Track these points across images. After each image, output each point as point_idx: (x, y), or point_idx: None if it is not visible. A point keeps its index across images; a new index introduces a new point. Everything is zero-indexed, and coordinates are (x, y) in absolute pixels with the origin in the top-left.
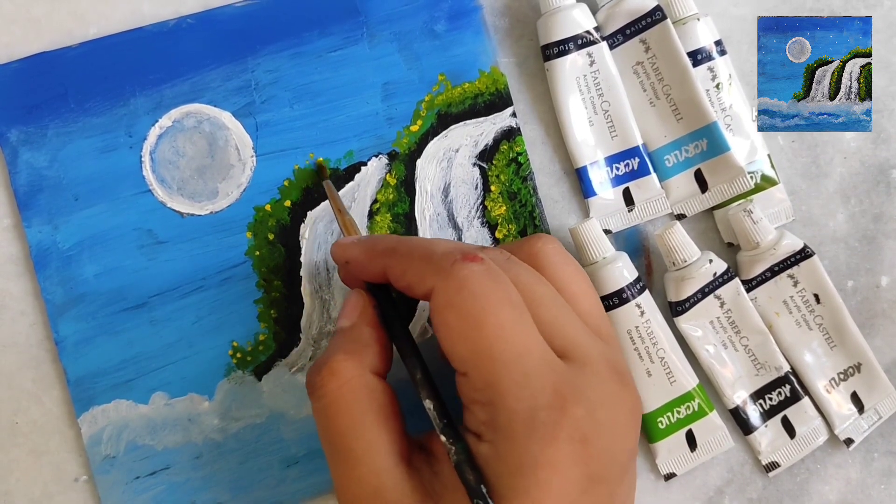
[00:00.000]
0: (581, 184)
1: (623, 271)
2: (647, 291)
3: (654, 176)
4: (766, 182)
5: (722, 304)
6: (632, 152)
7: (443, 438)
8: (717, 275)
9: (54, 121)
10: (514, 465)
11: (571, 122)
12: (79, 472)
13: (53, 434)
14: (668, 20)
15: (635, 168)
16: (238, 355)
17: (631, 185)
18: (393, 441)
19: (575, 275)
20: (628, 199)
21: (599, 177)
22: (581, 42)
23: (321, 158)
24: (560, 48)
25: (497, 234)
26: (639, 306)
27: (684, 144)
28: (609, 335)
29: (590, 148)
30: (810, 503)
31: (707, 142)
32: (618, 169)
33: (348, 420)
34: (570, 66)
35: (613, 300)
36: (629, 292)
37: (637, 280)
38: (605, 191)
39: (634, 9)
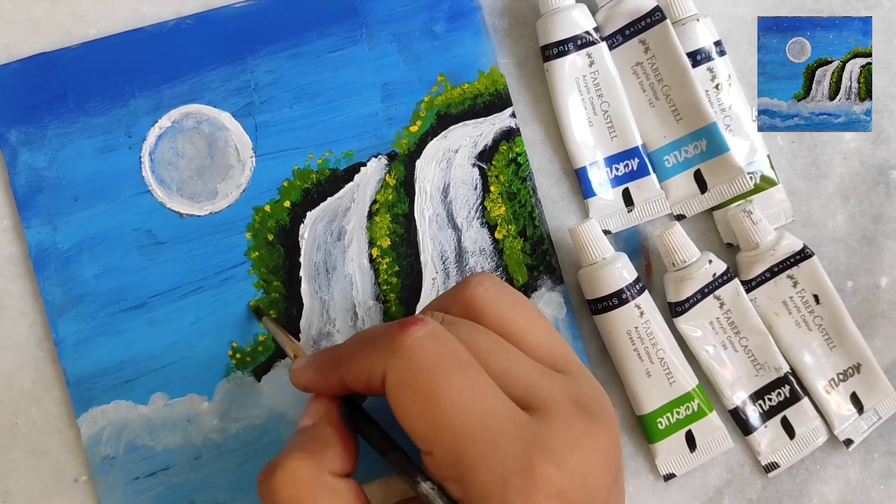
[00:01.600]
0: (580, 184)
1: (623, 272)
2: (646, 292)
3: (653, 176)
4: (766, 183)
5: (721, 305)
6: (631, 153)
7: None
8: (717, 275)
9: (54, 121)
10: None
11: (571, 123)
12: (78, 472)
13: (53, 434)
14: (668, 21)
15: (635, 169)
16: (237, 356)
17: (630, 185)
18: None
19: (514, 310)
20: (628, 199)
21: (599, 177)
22: (581, 43)
23: (253, 302)
24: (559, 49)
25: (496, 235)
26: (638, 307)
27: (684, 145)
28: (567, 362)
29: (589, 148)
30: (810, 503)
31: (706, 142)
32: (617, 169)
33: None
34: (569, 67)
35: (613, 301)
36: (629, 293)
37: (636, 280)
38: (605, 191)
39: (634, 9)
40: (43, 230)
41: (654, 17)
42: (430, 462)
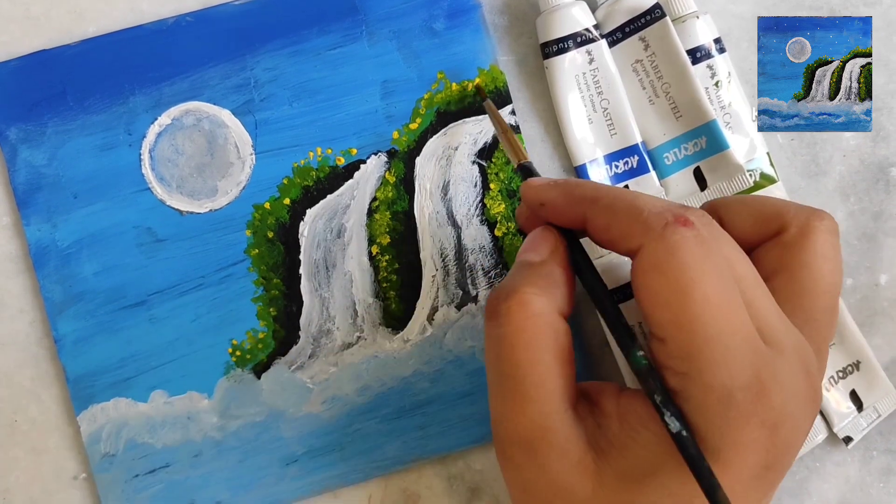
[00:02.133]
0: None
1: (627, 266)
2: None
3: (653, 174)
4: (766, 180)
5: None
6: (631, 150)
7: (656, 398)
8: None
9: (53, 119)
10: (699, 439)
11: (571, 120)
12: (78, 470)
13: (52, 432)
14: (668, 18)
15: (634, 166)
16: (237, 353)
17: (630, 182)
18: (566, 386)
19: (833, 273)
20: None
21: (599, 175)
22: (580, 40)
23: (478, 80)
24: (559, 46)
25: (496, 232)
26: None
27: (683, 142)
28: (820, 336)
29: (589, 146)
30: (810, 502)
31: (706, 139)
32: (617, 167)
33: (529, 355)
34: (569, 64)
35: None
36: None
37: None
38: None
39: (633, 6)
40: (42, 228)
41: (653, 15)
42: (659, 348)
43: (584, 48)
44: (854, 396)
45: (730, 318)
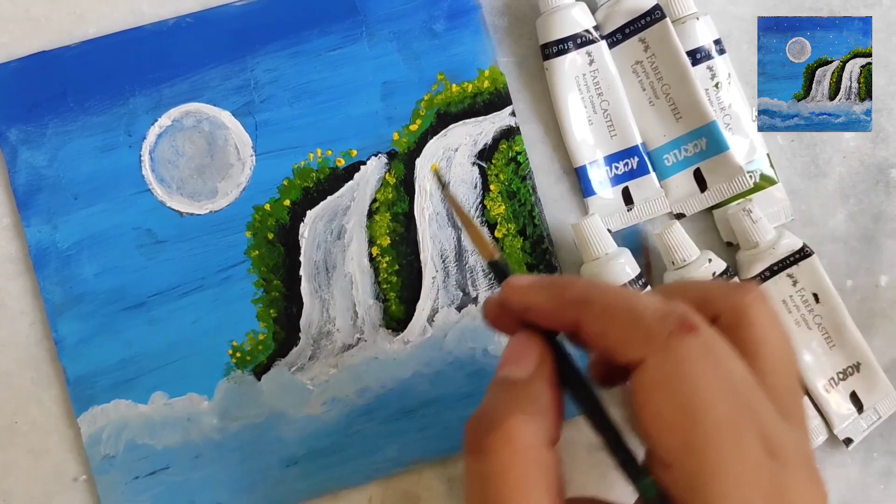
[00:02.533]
0: (580, 183)
1: (625, 267)
2: (648, 288)
3: (653, 175)
4: (766, 181)
5: None
6: (631, 151)
7: None
8: (717, 274)
9: (53, 120)
10: None
11: (571, 122)
12: (78, 471)
13: (52, 433)
14: (668, 19)
15: (634, 167)
16: (237, 355)
17: (630, 184)
18: None
19: (781, 340)
20: (627, 198)
21: (599, 176)
22: (580, 41)
23: (435, 165)
24: (559, 47)
25: (496, 234)
26: None
27: (683, 143)
28: (800, 417)
29: (589, 147)
30: None
31: (706, 141)
32: (617, 168)
33: (516, 496)
34: (569, 66)
35: None
36: (632, 289)
37: (639, 276)
38: (605, 190)
39: (633, 8)
40: (43, 229)
41: (653, 16)
42: (663, 473)
43: (584, 49)
44: (854, 398)
45: (741, 441)
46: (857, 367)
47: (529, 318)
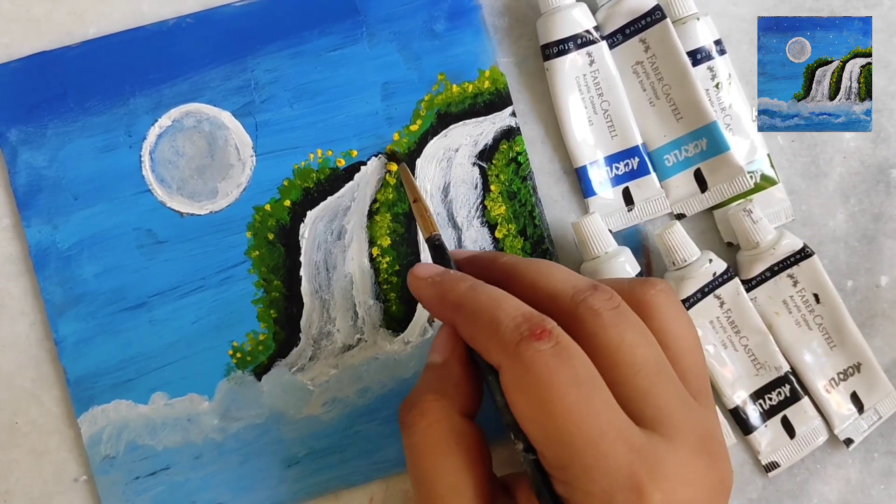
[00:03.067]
0: (581, 183)
1: (625, 266)
2: None
3: (653, 175)
4: (766, 181)
5: (722, 304)
6: (631, 152)
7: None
8: (717, 274)
9: (54, 120)
10: None
11: (571, 122)
12: (78, 472)
13: (53, 434)
14: (668, 20)
15: (635, 168)
16: (238, 355)
17: (630, 184)
18: (477, 485)
19: (684, 328)
20: (628, 198)
21: (599, 176)
22: (581, 42)
23: (390, 146)
24: (559, 48)
25: (497, 234)
26: None
27: (684, 144)
28: (707, 397)
29: (589, 147)
30: (810, 503)
31: (707, 141)
32: (617, 168)
33: (434, 461)
34: (569, 66)
35: None
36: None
37: (640, 275)
38: (605, 190)
39: (634, 8)
40: (43, 229)
41: (654, 16)
42: (542, 458)
43: (584, 50)
44: (855, 398)
45: (596, 422)
46: (857, 367)
47: (427, 310)
